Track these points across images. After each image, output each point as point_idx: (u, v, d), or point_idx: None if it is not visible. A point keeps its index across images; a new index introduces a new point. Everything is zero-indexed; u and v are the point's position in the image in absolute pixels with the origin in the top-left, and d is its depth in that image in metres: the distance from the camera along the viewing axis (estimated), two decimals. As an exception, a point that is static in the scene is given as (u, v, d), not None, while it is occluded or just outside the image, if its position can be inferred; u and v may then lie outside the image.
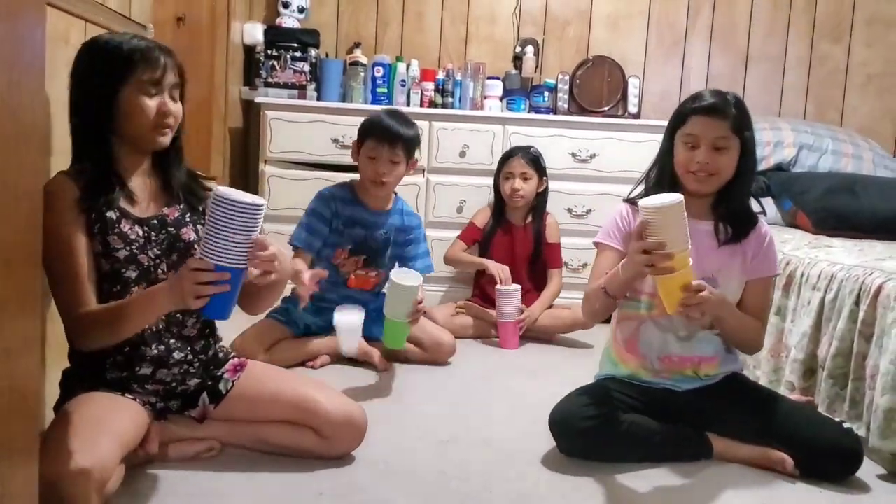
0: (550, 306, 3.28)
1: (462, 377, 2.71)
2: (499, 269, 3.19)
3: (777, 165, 3.69)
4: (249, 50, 3.75)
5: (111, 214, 1.65)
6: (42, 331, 1.64)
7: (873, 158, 3.79)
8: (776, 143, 3.72)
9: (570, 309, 3.21)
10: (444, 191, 3.62)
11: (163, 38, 2.54)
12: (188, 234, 1.77)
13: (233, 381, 1.87)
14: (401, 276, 2.44)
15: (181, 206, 1.78)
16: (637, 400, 2.04)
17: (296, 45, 3.66)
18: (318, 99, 3.67)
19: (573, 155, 3.64)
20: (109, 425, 1.56)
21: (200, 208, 1.80)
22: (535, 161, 3.34)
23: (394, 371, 2.72)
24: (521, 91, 3.90)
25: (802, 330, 2.43)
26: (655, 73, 4.16)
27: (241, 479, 1.79)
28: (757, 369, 2.66)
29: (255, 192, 3.64)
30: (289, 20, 3.78)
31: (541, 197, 3.40)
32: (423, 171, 3.61)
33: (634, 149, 3.62)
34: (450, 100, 3.78)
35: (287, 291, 2.77)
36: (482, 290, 3.36)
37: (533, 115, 3.78)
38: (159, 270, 1.72)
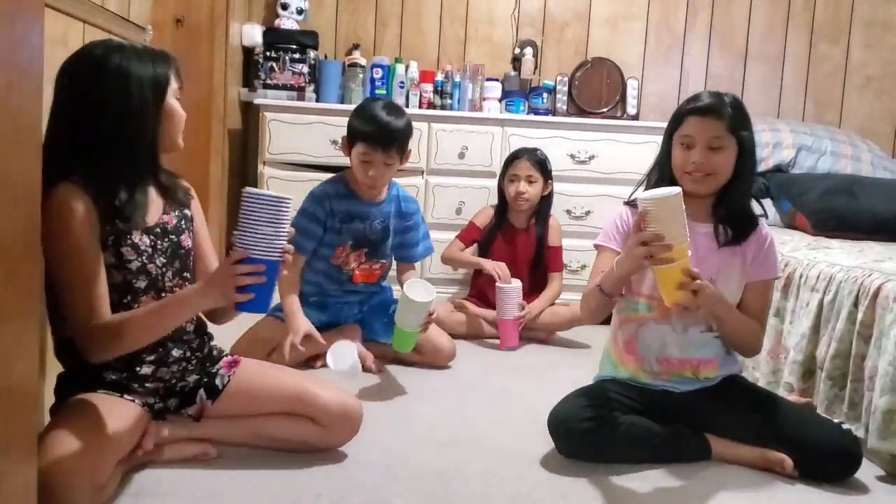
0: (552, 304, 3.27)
1: (461, 378, 2.71)
2: (496, 267, 3.16)
3: (776, 167, 3.69)
4: (248, 51, 3.75)
5: (122, 226, 1.66)
6: (41, 332, 1.64)
7: (872, 160, 3.80)
8: (775, 144, 3.72)
9: (569, 306, 3.21)
10: (442, 192, 3.62)
11: (161, 40, 2.54)
12: (186, 241, 1.81)
13: (229, 377, 1.89)
14: (414, 290, 2.44)
15: (176, 212, 1.79)
16: (636, 401, 2.04)
17: (295, 46, 3.66)
18: (317, 100, 3.67)
19: (572, 156, 3.64)
20: (106, 428, 1.56)
21: (187, 212, 1.82)
22: (542, 164, 3.30)
23: (393, 373, 2.72)
24: (519, 92, 3.90)
25: (801, 331, 2.43)
26: (654, 75, 4.16)
27: (240, 480, 1.79)
28: (756, 370, 2.66)
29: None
30: (287, 22, 3.78)
31: (545, 201, 3.35)
32: (422, 172, 3.61)
33: (633, 150, 3.62)
34: (448, 101, 3.78)
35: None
36: (480, 290, 3.34)
37: (532, 117, 3.78)
38: (165, 279, 1.75)
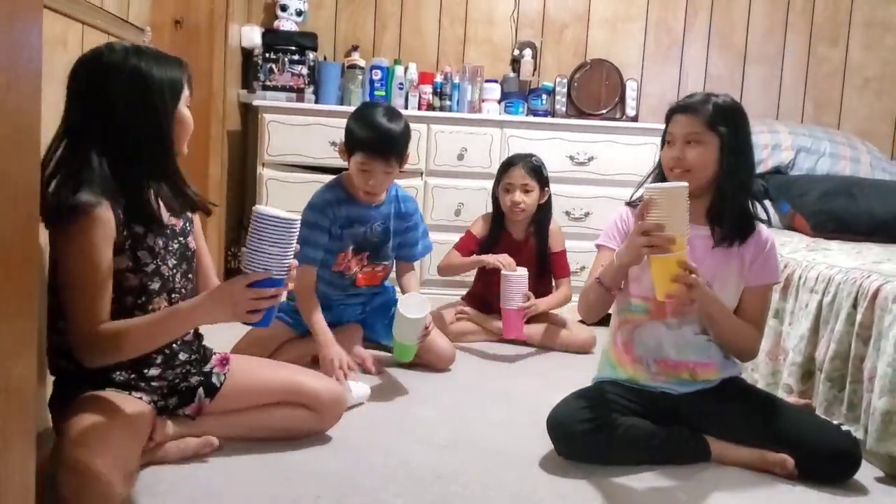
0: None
1: (461, 380, 2.71)
2: (497, 259, 3.04)
3: (775, 168, 3.70)
4: (247, 53, 3.75)
5: (139, 230, 1.67)
6: (41, 332, 1.63)
7: (871, 161, 3.80)
8: (774, 146, 3.72)
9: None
10: (441, 194, 3.62)
11: (160, 42, 2.54)
12: (192, 242, 1.84)
13: (224, 374, 1.92)
14: (407, 307, 2.46)
15: (182, 215, 1.81)
16: (635, 403, 2.04)
17: (294, 48, 3.66)
18: (316, 102, 3.67)
19: (571, 158, 3.64)
20: (130, 417, 1.62)
21: (189, 215, 1.84)
22: (537, 171, 3.18)
23: (392, 374, 2.72)
24: (519, 94, 3.90)
25: (800, 333, 2.43)
26: (653, 76, 4.16)
27: (240, 480, 1.79)
28: (755, 372, 2.66)
29: (253, 195, 3.67)
30: (287, 23, 3.78)
31: (543, 209, 3.25)
32: (421, 173, 3.61)
33: (632, 151, 3.62)
34: (448, 103, 3.79)
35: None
36: (482, 293, 3.29)
37: (531, 118, 3.78)
38: (175, 280, 1.77)
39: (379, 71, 3.74)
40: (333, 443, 2.05)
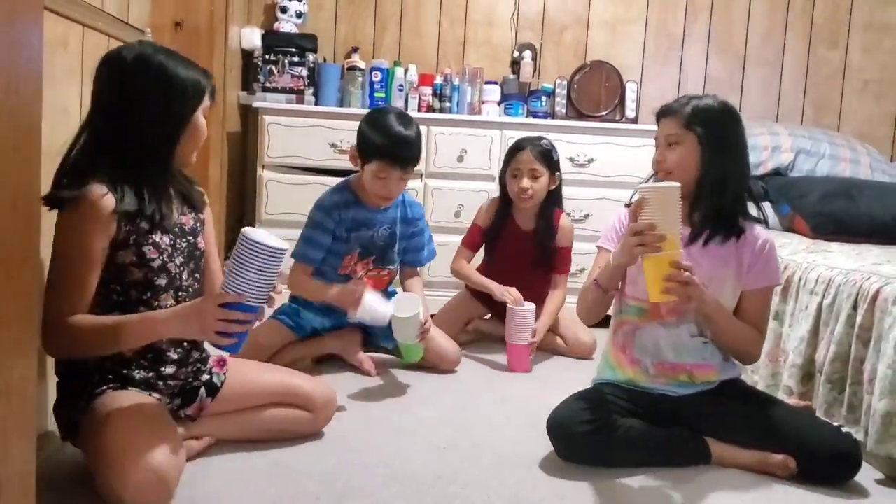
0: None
1: (461, 382, 2.71)
2: (504, 292, 2.95)
3: (775, 170, 3.70)
4: (247, 55, 3.75)
5: (144, 225, 1.68)
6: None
7: (871, 163, 3.80)
8: (774, 147, 3.73)
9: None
10: (441, 195, 3.62)
11: (160, 43, 2.54)
12: (201, 243, 1.86)
13: (224, 374, 1.94)
14: (400, 307, 2.47)
15: (192, 215, 1.83)
16: (635, 404, 2.04)
17: (294, 49, 3.66)
18: (316, 104, 3.67)
19: (571, 160, 3.64)
20: (168, 427, 1.64)
21: (201, 216, 1.87)
22: (547, 155, 3.02)
23: (392, 376, 2.72)
24: (518, 96, 3.90)
25: (800, 334, 2.43)
26: (653, 78, 4.17)
27: (238, 483, 1.79)
28: (755, 374, 2.66)
29: (253, 196, 3.66)
30: (287, 25, 3.78)
31: (553, 195, 3.09)
32: (421, 175, 3.61)
33: (632, 153, 3.63)
34: (447, 104, 3.79)
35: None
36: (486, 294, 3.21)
37: (531, 120, 3.78)
38: (182, 278, 1.78)
39: (379, 73, 3.74)
40: (333, 443, 2.06)
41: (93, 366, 1.70)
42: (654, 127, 2.11)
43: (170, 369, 1.79)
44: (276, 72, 3.65)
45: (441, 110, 3.78)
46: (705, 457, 2.02)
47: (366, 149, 2.59)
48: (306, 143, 3.54)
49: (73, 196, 1.57)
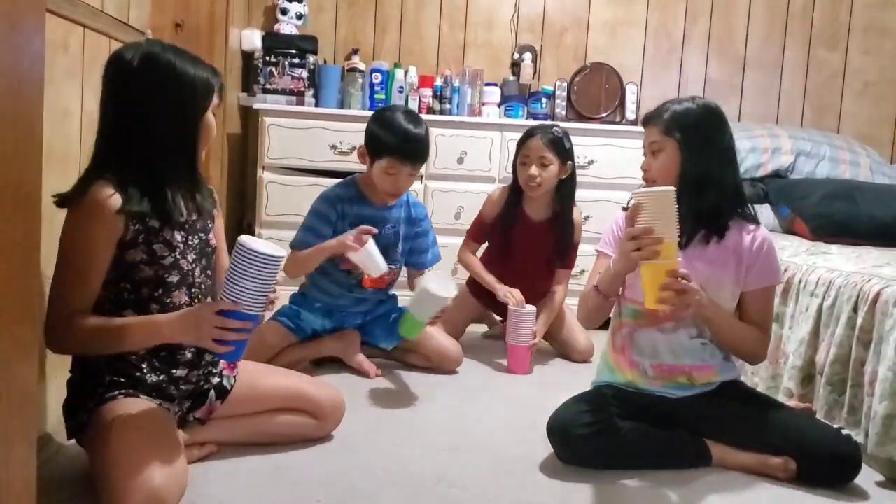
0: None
1: (462, 384, 2.71)
2: (507, 293, 2.92)
3: (775, 172, 3.70)
4: (248, 56, 3.76)
5: (154, 223, 1.67)
6: (41, 337, 1.63)
7: (871, 165, 3.81)
8: (774, 149, 3.73)
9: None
10: (441, 197, 3.62)
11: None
12: (213, 240, 1.86)
13: (234, 378, 1.94)
14: (435, 284, 2.39)
15: (203, 212, 1.82)
16: (634, 406, 2.04)
17: (294, 51, 3.66)
18: (317, 105, 3.67)
19: (571, 161, 3.63)
20: (172, 444, 1.63)
21: (213, 212, 1.87)
22: (557, 143, 2.94)
23: (394, 377, 2.72)
24: (518, 97, 3.91)
25: (800, 336, 2.43)
26: (653, 80, 4.17)
27: (240, 485, 1.79)
28: (755, 376, 2.66)
29: (253, 198, 3.67)
30: (287, 27, 3.79)
31: (566, 185, 3.01)
32: (421, 177, 3.61)
33: (632, 155, 3.61)
34: (448, 106, 3.79)
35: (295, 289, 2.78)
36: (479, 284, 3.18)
37: (531, 122, 3.76)
38: (195, 275, 1.79)
39: (379, 74, 3.74)
40: (335, 446, 2.06)
41: (104, 365, 1.69)
42: (655, 129, 2.11)
43: (182, 371, 1.79)
44: (276, 73, 3.65)
45: (441, 112, 3.78)
46: (705, 459, 2.02)
47: (375, 146, 2.61)
48: (306, 144, 3.54)
49: (79, 196, 1.58)
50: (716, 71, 4.20)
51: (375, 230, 2.53)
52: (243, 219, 3.94)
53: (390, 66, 3.81)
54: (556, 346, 3.17)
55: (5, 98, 0.99)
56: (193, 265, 1.78)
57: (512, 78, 3.96)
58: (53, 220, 1.60)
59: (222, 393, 1.91)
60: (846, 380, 2.19)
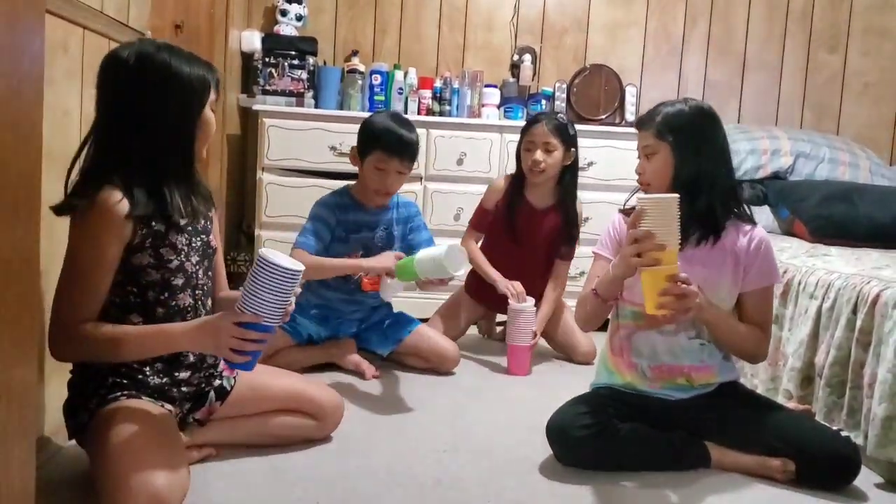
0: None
1: (461, 386, 2.71)
2: (508, 286, 2.92)
3: (774, 174, 3.70)
4: (247, 57, 3.75)
5: (160, 227, 1.68)
6: (40, 339, 1.63)
7: (870, 167, 3.81)
8: (773, 151, 3.73)
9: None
10: (441, 198, 3.62)
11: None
12: (214, 241, 1.87)
13: (234, 378, 1.94)
14: (452, 260, 2.27)
15: (203, 213, 1.82)
16: (633, 408, 2.04)
17: (294, 52, 3.66)
18: (316, 106, 3.67)
19: (570, 163, 3.63)
20: (174, 446, 1.63)
21: (211, 215, 1.87)
22: (562, 129, 2.95)
23: (393, 379, 2.72)
24: (518, 99, 3.91)
25: (800, 338, 2.43)
26: (652, 82, 4.17)
27: (239, 488, 1.79)
28: (754, 377, 2.66)
29: (252, 199, 3.67)
30: (287, 28, 3.78)
31: (569, 172, 3.02)
32: (421, 178, 3.61)
33: (631, 157, 3.57)
34: (447, 108, 3.79)
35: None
36: (476, 285, 3.18)
37: (530, 123, 3.77)
38: (198, 276, 1.79)
39: (379, 76, 3.74)
40: (334, 447, 2.05)
41: (106, 367, 1.69)
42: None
43: (184, 374, 1.79)
44: (275, 75, 3.65)
45: (441, 113, 3.78)
46: (705, 460, 2.02)
47: (365, 142, 2.66)
48: (306, 145, 3.54)
49: (87, 202, 1.57)
50: (715, 73, 4.20)
51: (403, 255, 2.53)
52: (243, 220, 3.93)
53: (390, 68, 3.81)
54: (558, 347, 3.17)
55: (5, 99, 0.99)
56: (197, 267, 1.78)
57: (511, 79, 3.96)
58: (53, 221, 1.60)
59: (222, 394, 1.91)
60: (845, 382, 2.19)
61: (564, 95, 3.90)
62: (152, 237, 1.66)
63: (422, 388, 2.63)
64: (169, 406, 1.76)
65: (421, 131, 3.52)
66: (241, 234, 3.90)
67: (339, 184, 2.91)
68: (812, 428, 2.01)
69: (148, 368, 1.73)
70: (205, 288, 1.82)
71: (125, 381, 1.69)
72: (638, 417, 2.03)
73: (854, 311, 2.20)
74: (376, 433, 2.19)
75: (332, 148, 3.52)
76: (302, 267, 1.61)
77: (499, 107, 3.86)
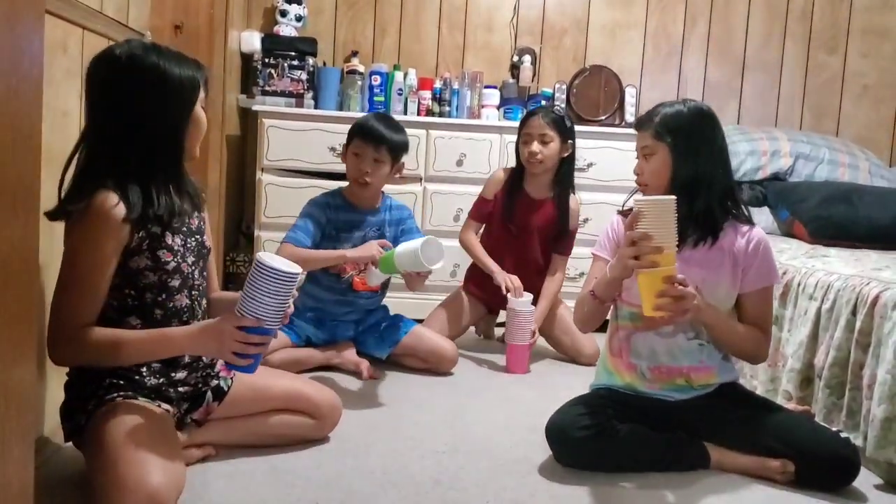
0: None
1: (460, 386, 2.71)
2: (506, 279, 2.95)
3: (774, 175, 3.71)
4: (247, 58, 3.75)
5: (156, 229, 1.68)
6: (39, 338, 1.63)
7: (869, 168, 3.81)
8: (773, 152, 3.73)
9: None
10: (440, 199, 3.62)
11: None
12: (207, 241, 1.87)
13: (231, 379, 1.93)
14: (429, 253, 2.27)
15: (196, 214, 1.83)
16: (633, 409, 2.04)
17: (293, 53, 3.66)
18: (316, 107, 3.67)
19: (570, 164, 3.63)
20: (170, 446, 1.62)
21: (203, 214, 1.87)
22: (558, 121, 3.02)
23: (392, 380, 2.72)
24: (518, 100, 3.91)
25: (799, 339, 2.43)
26: (652, 83, 4.17)
27: (237, 488, 1.78)
28: (754, 378, 2.66)
29: (252, 200, 3.67)
30: (286, 28, 3.78)
31: (566, 164, 3.08)
32: (420, 179, 3.61)
33: (631, 158, 3.59)
34: (447, 108, 3.79)
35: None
36: (478, 276, 3.19)
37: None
38: (194, 277, 1.79)
39: (378, 76, 3.74)
40: (332, 448, 2.05)
41: (104, 369, 1.69)
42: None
43: (181, 374, 1.79)
44: (275, 75, 3.65)
45: (440, 114, 3.78)
46: (704, 461, 2.02)
47: (349, 134, 2.75)
48: (305, 146, 3.54)
49: (82, 207, 1.56)
50: (715, 73, 4.20)
51: (389, 244, 2.57)
52: (242, 221, 3.93)
53: (390, 69, 3.81)
54: (562, 349, 3.17)
55: (4, 99, 0.99)
56: (193, 268, 1.78)
57: (511, 80, 3.96)
58: (53, 221, 1.60)
59: (219, 394, 1.90)
60: (845, 383, 2.19)
61: (564, 96, 3.91)
62: (149, 239, 1.66)
63: (420, 389, 2.63)
64: (166, 406, 1.76)
65: (421, 132, 3.55)
66: (241, 234, 3.90)
67: (339, 184, 2.92)
68: (811, 429, 2.01)
69: (144, 369, 1.73)
70: (200, 288, 1.82)
71: (122, 382, 1.69)
72: (637, 418, 2.02)
73: (853, 313, 2.20)
74: (374, 433, 2.19)
75: (332, 149, 3.52)
76: (299, 269, 1.61)
77: (498, 108, 3.86)
